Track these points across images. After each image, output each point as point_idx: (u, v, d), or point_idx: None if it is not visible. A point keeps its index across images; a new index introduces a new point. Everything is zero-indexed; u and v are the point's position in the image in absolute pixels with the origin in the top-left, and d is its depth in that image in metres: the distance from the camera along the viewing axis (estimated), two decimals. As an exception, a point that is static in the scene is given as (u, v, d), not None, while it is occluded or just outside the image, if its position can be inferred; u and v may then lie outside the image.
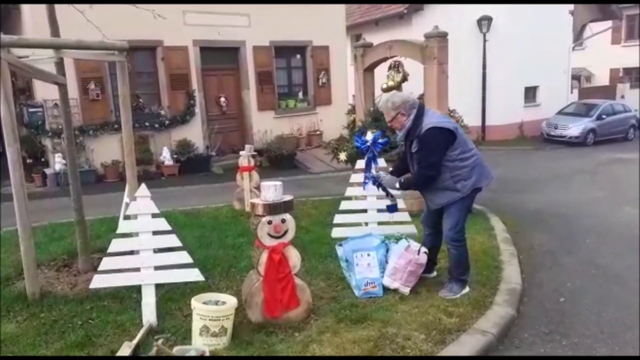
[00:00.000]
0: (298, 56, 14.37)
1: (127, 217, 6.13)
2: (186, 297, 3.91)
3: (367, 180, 4.34)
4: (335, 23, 14.40)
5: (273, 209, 3.41)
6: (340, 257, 4.21)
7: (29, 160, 11.36)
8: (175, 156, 11.93)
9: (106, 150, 11.12)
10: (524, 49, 16.06)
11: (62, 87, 4.28)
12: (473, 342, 3.25)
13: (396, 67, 6.58)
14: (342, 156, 6.38)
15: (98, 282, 3.43)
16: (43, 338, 3.31)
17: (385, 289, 3.97)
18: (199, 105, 12.54)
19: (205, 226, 6.31)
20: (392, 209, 4.17)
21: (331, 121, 13.57)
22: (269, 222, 3.41)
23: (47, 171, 10.82)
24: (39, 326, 3.47)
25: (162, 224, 3.46)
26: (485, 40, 16.28)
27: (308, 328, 3.43)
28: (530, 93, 17.96)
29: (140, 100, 11.75)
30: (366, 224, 4.62)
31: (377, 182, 4.04)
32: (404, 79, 6.55)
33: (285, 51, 13.89)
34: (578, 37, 19.50)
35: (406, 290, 3.94)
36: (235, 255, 5.03)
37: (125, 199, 6.12)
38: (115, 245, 3.43)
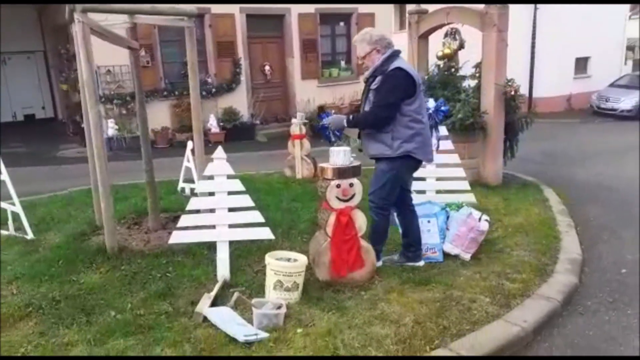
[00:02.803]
0: (342, 24, 14.23)
1: (186, 180, 6.39)
2: (253, 254, 4.12)
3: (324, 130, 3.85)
4: (381, -11, 14.14)
5: (342, 173, 3.51)
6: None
7: (83, 125, 11.83)
8: (221, 124, 12.16)
9: (156, 116, 11.34)
10: (577, 17, 15.41)
11: (135, 52, 4.45)
12: (538, 307, 3.31)
13: (453, 34, 6.47)
14: (396, 125, 6.38)
15: (177, 237, 3.64)
16: (127, 288, 3.56)
17: (445, 255, 4.06)
18: (245, 74, 12.66)
19: (260, 191, 6.48)
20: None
21: (375, 91, 13.46)
22: (338, 186, 3.52)
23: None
24: (121, 277, 3.72)
25: (237, 184, 3.62)
26: (536, 9, 15.69)
27: (373, 288, 3.56)
28: (581, 64, 17.33)
29: (188, 67, 11.95)
30: (424, 191, 4.67)
31: (325, 128, 3.78)
32: (461, 46, 6.44)
33: (330, 18, 13.78)
34: (634, 5, 18.49)
35: (467, 256, 4.01)
36: (292, 219, 5.19)
37: (185, 163, 6.38)
38: (194, 203, 3.62)
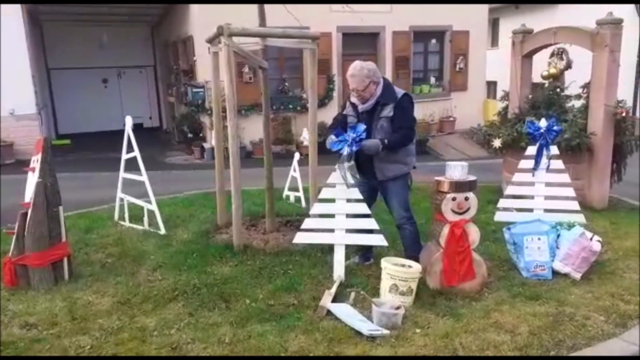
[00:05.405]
0: (434, 41, 14.34)
1: (291, 189, 6.82)
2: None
3: (339, 143, 3.80)
4: (477, 7, 14.09)
5: (458, 186, 3.71)
6: (507, 240, 4.37)
7: (189, 135, 12.85)
8: (313, 137, 12.66)
9: (255, 129, 12.09)
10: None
11: (264, 70, 4.95)
12: (657, 330, 3.29)
13: (560, 54, 6.45)
14: (497, 143, 6.44)
15: (300, 238, 4.02)
16: (256, 281, 3.98)
17: (554, 273, 4.10)
18: (337, 90, 13.13)
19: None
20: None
21: (466, 107, 13.43)
22: (453, 199, 3.72)
23: (205, 145, 12.15)
24: (249, 271, 4.15)
25: (355, 193, 3.93)
26: (643, 25, 14.88)
27: (484, 299, 3.70)
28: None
29: (286, 83, 12.63)
30: (531, 210, 4.71)
31: (351, 146, 3.71)
32: (568, 66, 6.40)
33: (424, 36, 13.95)
34: None
35: (577, 275, 4.03)
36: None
37: (292, 172, 6.84)
38: (316, 208, 3.98)
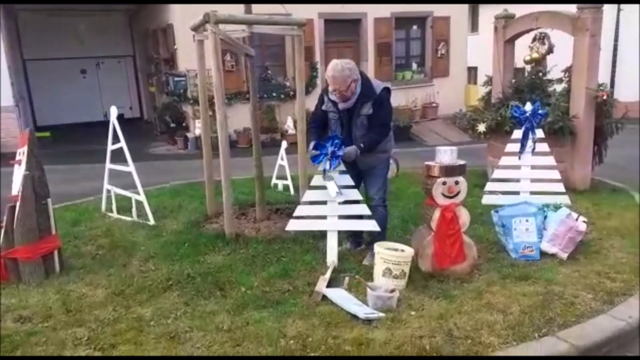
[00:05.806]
0: (415, 27, 14.38)
1: (279, 177, 6.81)
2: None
3: (320, 157, 3.88)
4: (457, -7, 14.18)
5: (449, 171, 3.77)
6: (495, 222, 4.46)
7: (172, 125, 12.70)
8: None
9: (239, 118, 12.00)
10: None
11: (251, 58, 4.92)
12: (642, 306, 3.41)
13: (541, 38, 6.53)
14: (481, 127, 6.53)
15: (293, 225, 4.04)
16: (250, 268, 3.99)
17: (542, 254, 4.20)
18: (320, 77, 13.08)
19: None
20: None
21: (448, 93, 13.52)
22: (444, 183, 3.78)
23: (189, 135, 12.03)
24: (242, 259, 4.17)
25: (347, 179, 3.96)
26: (619, 10, 15.12)
27: (475, 280, 3.78)
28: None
29: (269, 71, 12.54)
30: (518, 192, 4.79)
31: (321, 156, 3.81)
32: (550, 50, 6.49)
33: (405, 22, 13.99)
34: None
35: (564, 255, 4.14)
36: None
37: (279, 161, 6.83)
38: (308, 195, 4.00)
